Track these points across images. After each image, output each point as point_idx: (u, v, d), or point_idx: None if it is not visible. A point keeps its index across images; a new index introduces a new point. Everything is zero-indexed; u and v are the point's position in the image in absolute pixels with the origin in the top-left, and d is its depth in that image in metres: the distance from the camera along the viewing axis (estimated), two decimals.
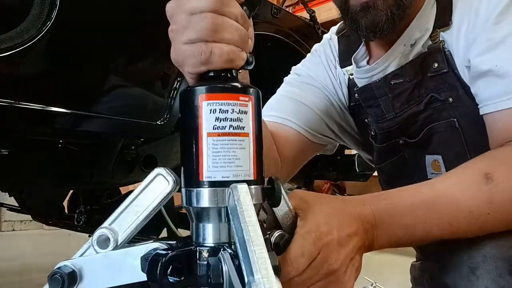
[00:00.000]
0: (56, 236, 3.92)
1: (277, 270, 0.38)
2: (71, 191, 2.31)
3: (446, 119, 0.77)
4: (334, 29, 1.01)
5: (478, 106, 0.70)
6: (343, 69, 0.93)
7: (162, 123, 1.32)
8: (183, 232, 2.03)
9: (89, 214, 2.13)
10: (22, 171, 1.58)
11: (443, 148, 0.78)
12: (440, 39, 0.75)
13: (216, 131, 0.41)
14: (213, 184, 0.41)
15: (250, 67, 0.48)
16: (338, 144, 1.04)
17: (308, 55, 1.02)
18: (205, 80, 0.45)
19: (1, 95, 0.99)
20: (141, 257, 0.40)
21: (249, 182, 0.41)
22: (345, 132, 0.99)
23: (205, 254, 0.40)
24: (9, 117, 1.04)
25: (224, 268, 0.37)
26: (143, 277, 0.39)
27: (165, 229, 2.14)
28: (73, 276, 0.40)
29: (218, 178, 0.41)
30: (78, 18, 1.13)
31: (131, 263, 0.40)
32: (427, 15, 0.77)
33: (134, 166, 1.53)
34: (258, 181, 0.44)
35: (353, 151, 2.38)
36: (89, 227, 2.07)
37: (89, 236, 1.97)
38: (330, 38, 1.00)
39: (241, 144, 0.41)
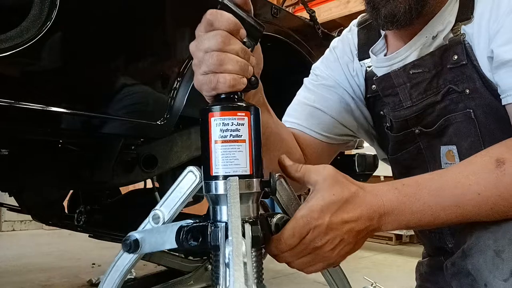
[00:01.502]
0: (56, 236, 3.92)
1: (257, 240, 0.54)
2: (71, 191, 2.31)
3: (462, 110, 0.78)
4: (355, 21, 1.04)
5: (501, 97, 0.71)
6: (361, 62, 0.96)
7: (162, 123, 1.32)
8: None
9: (89, 214, 2.13)
10: (22, 171, 1.58)
11: (458, 138, 0.80)
12: (461, 32, 0.78)
13: (220, 139, 0.56)
14: (218, 178, 0.56)
15: (256, 87, 0.62)
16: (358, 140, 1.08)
17: (326, 51, 1.06)
18: (218, 101, 0.60)
19: (1, 95, 0.99)
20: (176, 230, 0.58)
21: (245, 176, 0.56)
22: (361, 128, 1.02)
23: (211, 227, 0.56)
24: (9, 117, 1.04)
25: (219, 234, 0.54)
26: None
27: None
28: (137, 242, 0.59)
29: (222, 173, 0.56)
30: (78, 18, 1.13)
31: (171, 234, 0.57)
32: (451, 9, 0.80)
33: (134, 166, 1.53)
34: (254, 175, 0.57)
35: (353, 151, 2.38)
36: (89, 227, 2.08)
37: (89, 236, 1.97)
38: (350, 30, 1.03)
39: (239, 148, 0.56)
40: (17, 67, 1.03)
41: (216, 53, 0.57)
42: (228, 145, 0.56)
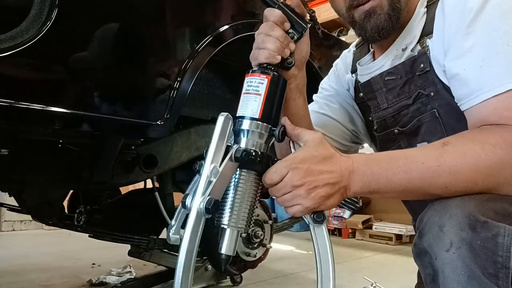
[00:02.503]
0: (56, 236, 3.92)
1: (239, 160, 0.73)
2: (71, 191, 2.31)
3: (429, 110, 0.91)
4: (354, 43, 1.22)
5: (458, 104, 0.83)
6: (352, 74, 1.12)
7: (162, 123, 1.32)
8: (183, 232, 2.03)
9: (89, 214, 2.13)
10: (22, 171, 1.58)
11: (428, 136, 0.92)
12: (426, 45, 0.90)
13: (245, 90, 0.79)
14: (240, 116, 0.77)
15: (290, 66, 0.83)
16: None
17: (331, 69, 1.24)
18: (261, 67, 0.81)
19: (1, 95, 0.99)
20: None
21: (253, 118, 0.76)
22: (363, 132, 1.16)
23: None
24: (9, 117, 1.04)
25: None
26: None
27: (165, 229, 2.14)
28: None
29: (240, 114, 0.77)
30: (78, 18, 1.13)
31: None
32: (416, 25, 0.92)
33: (134, 166, 1.53)
34: (261, 120, 0.76)
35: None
36: (89, 227, 2.08)
37: (89, 236, 1.97)
38: (349, 51, 1.20)
39: (254, 99, 0.77)
40: (17, 67, 1.03)
41: (262, 35, 0.82)
42: (248, 96, 0.77)
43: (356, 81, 1.09)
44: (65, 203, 2.23)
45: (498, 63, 0.75)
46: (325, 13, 3.99)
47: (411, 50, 0.93)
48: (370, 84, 1.02)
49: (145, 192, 2.19)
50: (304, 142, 0.77)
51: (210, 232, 1.86)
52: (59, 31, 1.07)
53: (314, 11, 2.16)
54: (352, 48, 1.19)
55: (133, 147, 1.52)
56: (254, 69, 0.80)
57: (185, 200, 0.74)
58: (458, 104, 0.82)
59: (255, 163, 0.74)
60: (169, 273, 2.15)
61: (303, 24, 0.83)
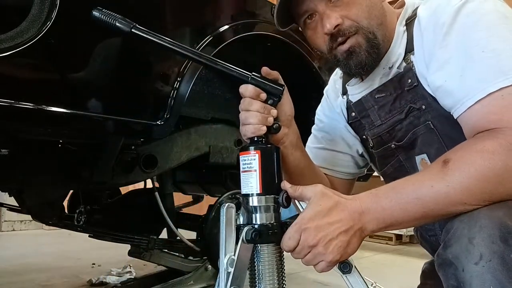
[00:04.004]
0: (56, 236, 3.93)
1: (249, 240, 0.77)
2: (71, 191, 2.31)
3: (423, 123, 0.93)
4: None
5: (451, 113, 0.84)
6: (343, 96, 1.14)
7: (162, 123, 1.32)
8: (183, 232, 2.04)
9: (89, 214, 2.13)
10: (22, 171, 1.58)
11: (426, 147, 0.94)
12: (411, 60, 0.93)
13: (242, 169, 0.82)
14: (244, 195, 0.82)
15: (277, 132, 0.88)
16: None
17: (323, 97, 1.26)
18: (249, 143, 0.85)
19: (1, 95, 0.99)
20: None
21: (255, 194, 0.80)
22: (362, 152, 1.16)
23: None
24: (9, 117, 1.04)
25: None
26: None
27: (165, 229, 2.14)
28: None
29: (244, 192, 0.82)
30: (78, 18, 1.13)
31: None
32: (399, 43, 0.95)
33: (134, 166, 1.53)
34: (263, 193, 0.80)
35: None
36: (89, 227, 2.08)
37: (89, 236, 1.97)
38: (336, 74, 1.22)
39: (252, 176, 0.80)
40: (17, 67, 1.03)
41: (243, 112, 0.86)
42: (246, 174, 0.81)
43: (348, 102, 1.11)
44: (65, 203, 2.23)
45: (477, 70, 0.77)
46: None
47: (397, 68, 0.95)
48: (361, 103, 1.05)
49: (145, 192, 2.19)
50: (307, 200, 0.78)
51: (210, 232, 1.86)
52: (59, 31, 1.07)
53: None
54: (339, 71, 1.20)
55: (133, 147, 1.51)
56: (245, 146, 0.84)
57: None
58: (451, 113, 0.84)
59: (269, 236, 0.78)
60: (169, 273, 2.15)
61: (278, 88, 0.86)
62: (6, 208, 2.35)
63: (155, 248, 1.94)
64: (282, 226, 0.79)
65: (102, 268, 2.65)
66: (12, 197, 2.05)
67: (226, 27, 1.51)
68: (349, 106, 1.11)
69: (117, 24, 0.88)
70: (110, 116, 1.22)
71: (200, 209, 2.39)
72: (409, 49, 0.93)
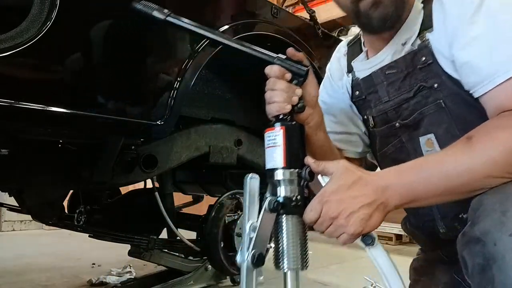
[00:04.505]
0: (56, 236, 3.92)
1: (272, 208, 0.80)
2: (71, 191, 2.31)
3: (432, 102, 0.93)
4: (343, 43, 1.23)
5: (470, 92, 0.85)
6: (348, 74, 1.14)
7: (162, 123, 1.32)
8: (183, 232, 2.04)
9: (89, 214, 2.13)
10: (22, 171, 1.58)
11: (433, 127, 0.94)
12: (426, 38, 0.92)
13: (266, 145, 0.86)
14: (269, 169, 0.84)
15: (301, 111, 0.90)
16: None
17: (325, 75, 1.26)
18: (276, 120, 0.87)
19: (1, 95, 0.99)
20: None
21: (279, 168, 0.82)
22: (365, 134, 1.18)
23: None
24: (9, 117, 1.04)
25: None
26: None
27: (165, 229, 2.14)
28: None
29: (269, 167, 0.84)
30: (78, 18, 1.13)
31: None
32: (414, 20, 0.95)
33: (134, 166, 1.53)
34: (287, 167, 0.82)
35: None
36: (89, 227, 2.08)
37: (89, 236, 1.96)
38: (338, 51, 1.22)
39: (276, 151, 0.83)
40: (17, 67, 1.03)
41: (269, 91, 0.89)
42: (270, 149, 0.84)
43: (353, 80, 1.11)
44: (65, 203, 2.23)
45: (507, 48, 0.77)
46: (325, 13, 3.99)
47: (411, 45, 0.95)
48: (371, 78, 1.04)
49: (145, 192, 2.19)
50: (330, 175, 0.80)
51: (210, 232, 1.86)
52: (59, 31, 1.07)
53: (314, 11, 2.15)
54: (343, 49, 1.21)
55: (133, 147, 1.51)
56: (269, 123, 0.87)
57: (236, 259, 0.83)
58: (470, 92, 0.84)
59: (292, 207, 0.81)
60: (169, 273, 2.15)
61: (302, 69, 0.89)
62: (6, 208, 2.34)
63: (155, 248, 1.94)
64: (305, 200, 0.82)
65: (102, 268, 2.65)
66: (12, 197, 2.06)
67: (226, 27, 1.51)
68: (355, 84, 1.11)
69: (153, 13, 1.02)
70: (110, 116, 1.22)
71: (200, 209, 2.39)
72: (425, 26, 0.93)
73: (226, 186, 2.13)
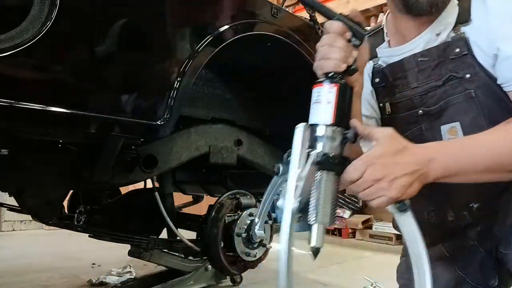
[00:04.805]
0: (56, 236, 3.92)
1: (320, 163, 0.79)
2: (71, 191, 2.31)
3: (462, 92, 0.96)
4: None
5: (502, 85, 0.90)
6: (369, 62, 1.15)
7: (162, 123, 1.32)
8: (183, 232, 2.04)
9: (89, 214, 2.13)
10: (22, 171, 1.58)
11: (460, 116, 0.97)
12: (461, 32, 0.96)
13: (315, 100, 0.84)
14: (314, 124, 0.83)
15: (353, 73, 0.87)
16: None
17: None
18: (327, 77, 0.86)
19: (1, 95, 0.99)
20: None
21: (327, 124, 0.82)
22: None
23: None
24: (9, 117, 1.04)
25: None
26: None
27: (165, 229, 2.14)
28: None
29: (314, 122, 0.83)
30: (78, 18, 1.13)
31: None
32: (450, 13, 0.99)
33: (134, 166, 1.53)
34: (335, 124, 0.82)
35: None
36: (89, 227, 2.08)
37: (89, 236, 1.96)
38: None
39: (326, 107, 0.82)
40: (17, 67, 1.03)
41: (326, 46, 0.86)
42: (319, 105, 0.83)
43: (374, 67, 1.14)
44: (65, 203, 2.23)
45: None
46: None
47: (445, 37, 0.98)
48: (402, 64, 1.07)
49: (145, 192, 2.19)
50: (376, 140, 0.81)
51: (210, 232, 1.86)
52: (59, 31, 1.07)
53: (314, 12, 2.15)
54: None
55: (133, 147, 1.51)
56: (321, 79, 0.86)
57: (277, 203, 0.84)
58: (502, 85, 0.90)
59: (334, 164, 0.80)
60: (169, 273, 2.15)
61: (362, 32, 0.88)
62: (6, 208, 2.34)
63: (155, 248, 1.94)
64: (345, 160, 0.82)
65: (102, 268, 2.65)
66: (12, 197, 2.05)
67: (226, 27, 1.51)
68: (376, 71, 1.14)
69: None
70: (110, 116, 1.21)
71: (200, 209, 2.39)
72: (461, 20, 0.97)
73: (226, 186, 2.13)
